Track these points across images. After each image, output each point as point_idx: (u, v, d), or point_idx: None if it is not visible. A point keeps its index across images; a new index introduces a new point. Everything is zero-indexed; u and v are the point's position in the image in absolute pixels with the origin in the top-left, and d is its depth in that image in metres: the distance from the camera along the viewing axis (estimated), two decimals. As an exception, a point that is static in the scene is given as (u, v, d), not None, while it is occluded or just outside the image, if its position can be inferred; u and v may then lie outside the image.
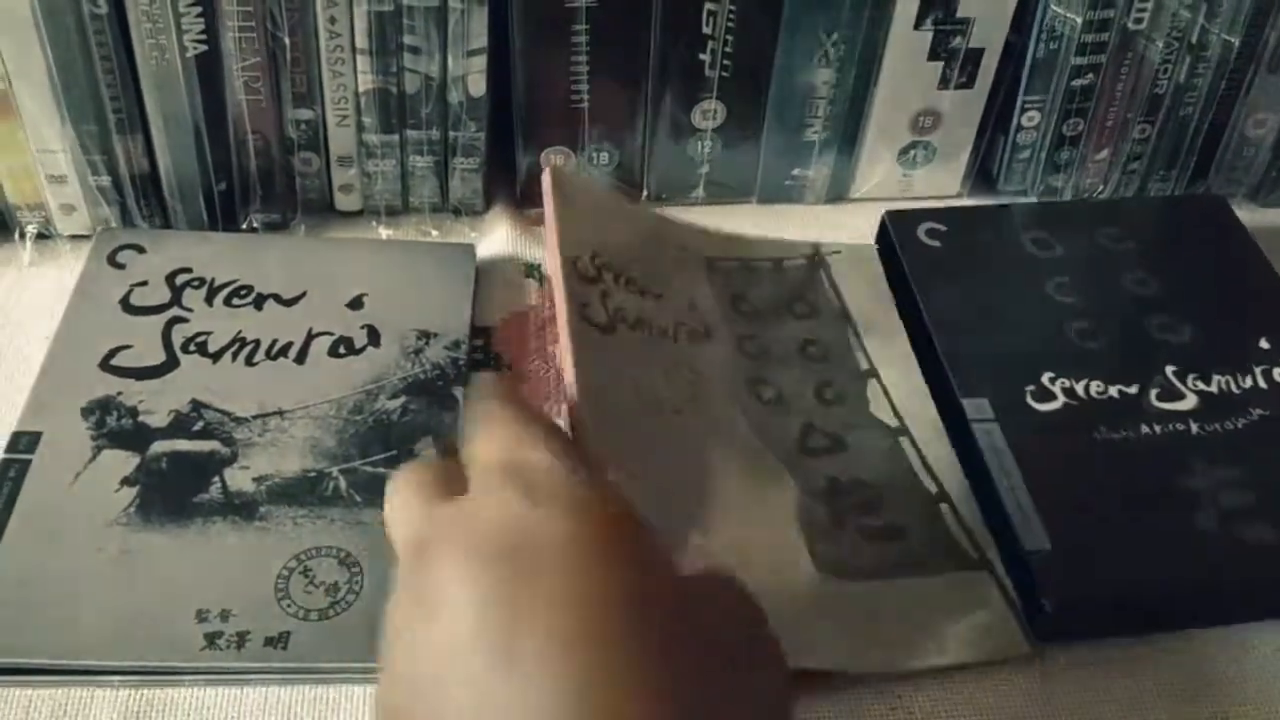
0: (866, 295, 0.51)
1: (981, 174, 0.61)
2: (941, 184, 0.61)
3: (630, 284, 0.45)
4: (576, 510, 0.27)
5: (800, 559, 0.40)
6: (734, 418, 0.44)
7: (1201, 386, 0.48)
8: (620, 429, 0.39)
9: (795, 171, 0.59)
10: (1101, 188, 0.61)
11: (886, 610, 0.40)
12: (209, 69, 0.50)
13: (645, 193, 0.59)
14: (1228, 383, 0.48)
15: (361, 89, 0.52)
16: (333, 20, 0.50)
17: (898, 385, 0.48)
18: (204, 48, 0.49)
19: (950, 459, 0.45)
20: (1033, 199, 0.61)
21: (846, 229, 0.59)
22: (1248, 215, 0.58)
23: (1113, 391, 0.47)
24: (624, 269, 0.45)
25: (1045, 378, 0.48)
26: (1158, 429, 0.46)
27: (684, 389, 0.44)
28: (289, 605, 0.39)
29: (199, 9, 0.48)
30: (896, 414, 0.46)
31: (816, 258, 0.52)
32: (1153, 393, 0.47)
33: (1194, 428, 0.46)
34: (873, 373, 0.48)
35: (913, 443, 0.45)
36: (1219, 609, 0.43)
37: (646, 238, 0.48)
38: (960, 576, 0.41)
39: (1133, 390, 0.48)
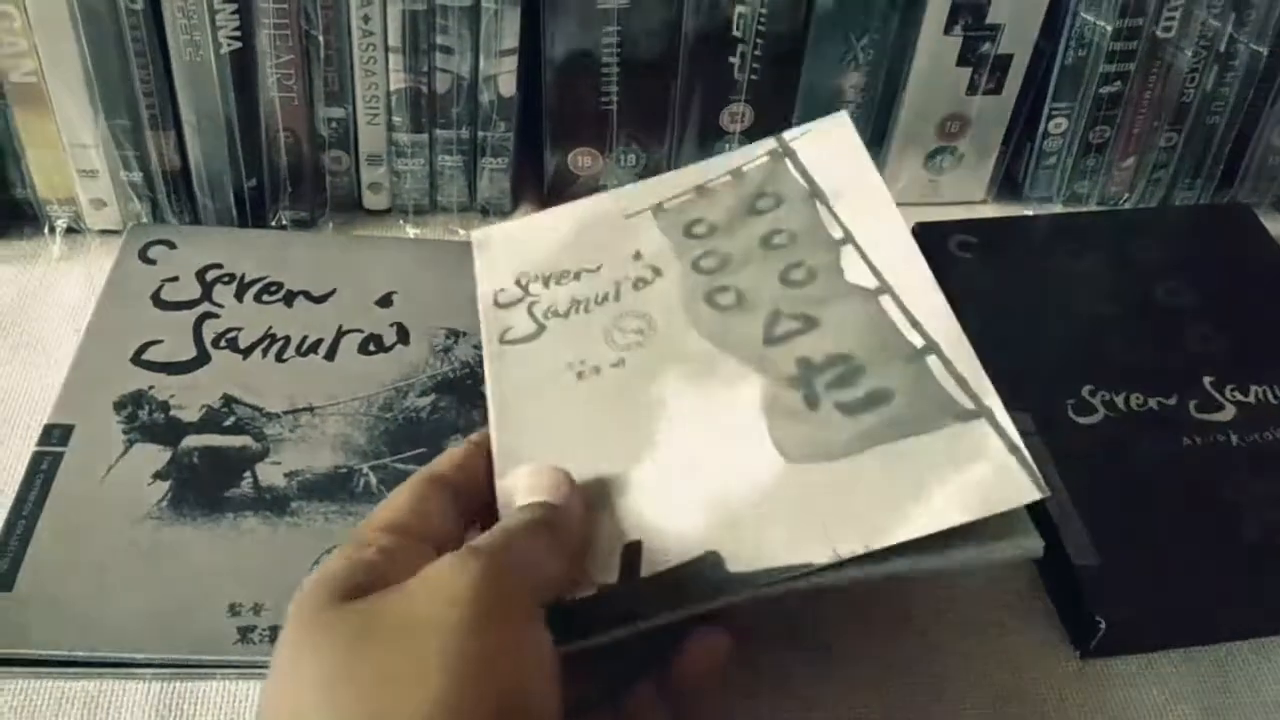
0: (838, 162, 0.47)
1: (1007, 179, 0.61)
2: (967, 189, 0.61)
3: (562, 277, 0.45)
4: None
5: (763, 455, 0.37)
6: (685, 339, 0.42)
7: (1239, 397, 0.48)
8: (538, 426, 0.39)
9: (821, 175, 0.59)
10: (1127, 195, 0.62)
11: (867, 483, 0.36)
12: (243, 66, 0.50)
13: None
14: (1265, 393, 0.48)
15: (393, 88, 0.52)
16: (366, 19, 0.50)
17: (877, 244, 0.43)
18: (238, 45, 0.49)
19: (941, 308, 0.40)
20: (1058, 205, 0.61)
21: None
22: (1274, 225, 0.58)
23: (1152, 404, 0.47)
24: (553, 268, 0.45)
25: (1085, 390, 0.48)
26: (1198, 440, 0.46)
27: (631, 337, 0.42)
28: (321, 600, 0.39)
29: (234, 6, 0.48)
30: (876, 274, 0.42)
31: (781, 149, 0.48)
32: (1192, 404, 0.47)
33: (1234, 439, 0.46)
34: (847, 239, 0.43)
35: (895, 300, 0.41)
36: (1267, 621, 0.43)
37: (578, 229, 0.47)
38: (954, 430, 0.36)
39: (1172, 402, 0.47)
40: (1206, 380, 0.48)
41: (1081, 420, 0.47)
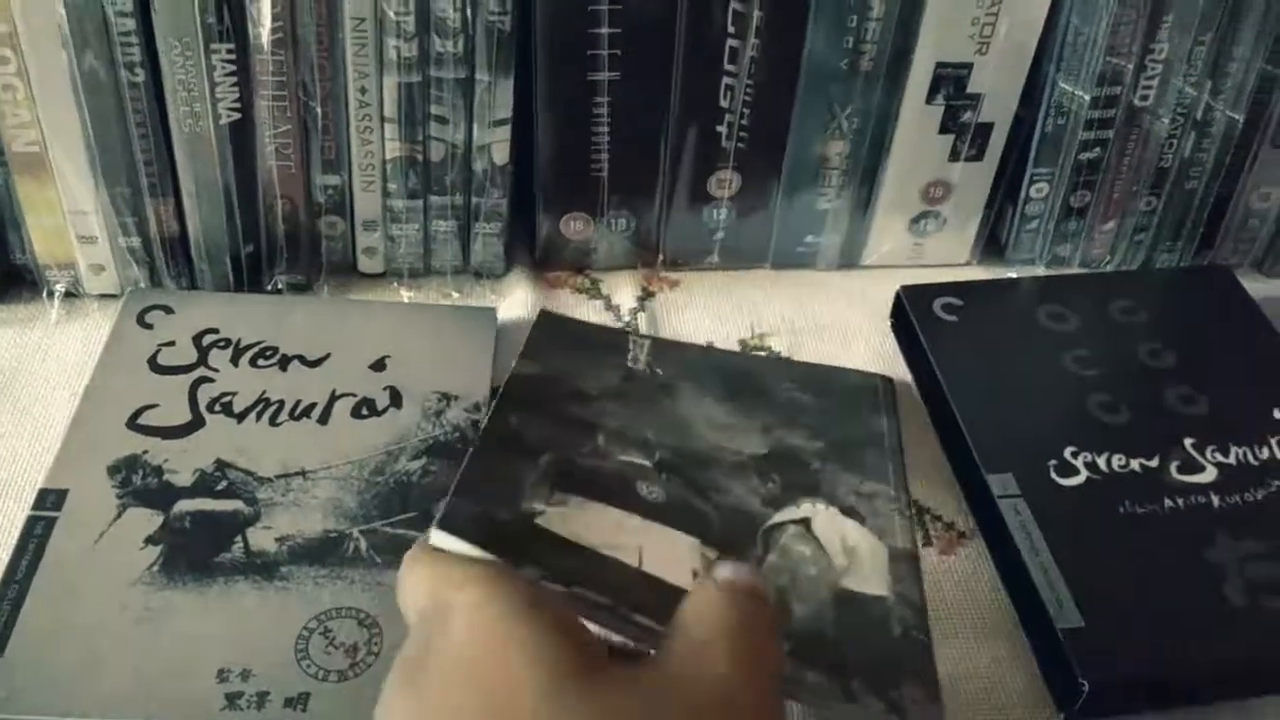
0: None
1: (991, 242, 0.63)
2: (951, 252, 0.62)
3: None
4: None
5: None
6: None
7: (1220, 458, 0.48)
8: None
9: (808, 239, 0.61)
10: (1108, 258, 0.63)
11: None
12: (241, 136, 0.51)
13: (661, 257, 0.60)
14: (1245, 454, 0.48)
15: (388, 156, 0.53)
16: (363, 90, 0.51)
17: None
18: (237, 115, 0.51)
19: None
20: (1040, 267, 0.62)
21: (858, 295, 0.60)
22: (1253, 286, 0.59)
23: (1134, 465, 0.48)
24: None
25: (1068, 452, 0.48)
26: (1180, 502, 0.47)
27: None
28: (309, 666, 0.40)
29: (234, 78, 0.49)
30: None
31: None
32: (1173, 465, 0.48)
33: (1215, 500, 0.47)
34: None
35: None
36: (1251, 683, 0.43)
37: None
38: None
39: (1153, 463, 0.48)
40: (1188, 442, 0.49)
41: (1064, 481, 0.47)
